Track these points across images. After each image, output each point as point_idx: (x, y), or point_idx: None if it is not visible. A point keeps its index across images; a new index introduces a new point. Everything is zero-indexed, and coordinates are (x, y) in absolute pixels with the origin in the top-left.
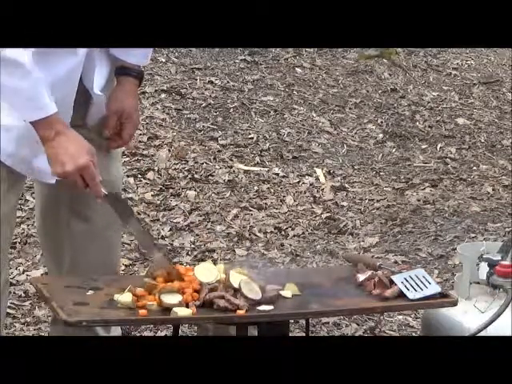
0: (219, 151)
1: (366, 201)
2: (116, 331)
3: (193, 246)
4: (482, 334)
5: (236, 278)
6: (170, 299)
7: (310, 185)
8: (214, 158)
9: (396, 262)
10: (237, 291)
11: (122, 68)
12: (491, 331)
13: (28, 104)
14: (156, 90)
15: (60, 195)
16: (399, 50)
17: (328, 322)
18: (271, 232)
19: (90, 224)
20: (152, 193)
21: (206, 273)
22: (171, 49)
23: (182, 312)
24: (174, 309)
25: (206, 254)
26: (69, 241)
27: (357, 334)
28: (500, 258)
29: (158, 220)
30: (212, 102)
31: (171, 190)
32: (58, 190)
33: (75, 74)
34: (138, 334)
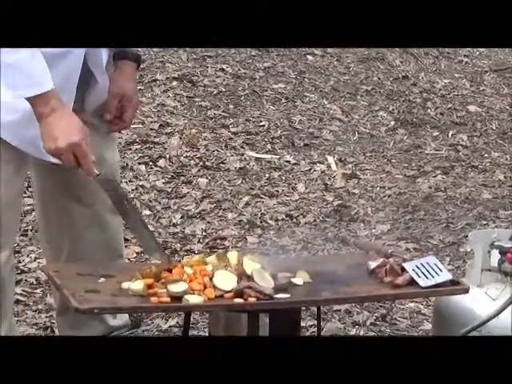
0: (230, 139)
1: (378, 188)
2: (122, 319)
3: (204, 233)
4: (493, 321)
5: (249, 266)
6: (177, 288)
7: (322, 172)
8: (226, 146)
9: (407, 250)
10: (249, 278)
11: (120, 52)
12: (503, 318)
13: (24, 80)
14: (167, 78)
15: (60, 181)
16: None
17: (339, 310)
18: (282, 219)
19: (91, 209)
20: (163, 180)
21: (225, 281)
22: None
23: (194, 299)
24: (186, 296)
25: (218, 241)
26: (68, 228)
27: (368, 322)
28: (511, 245)
29: (170, 207)
30: (223, 90)
31: (182, 178)
32: (58, 176)
33: (79, 52)
34: (150, 322)
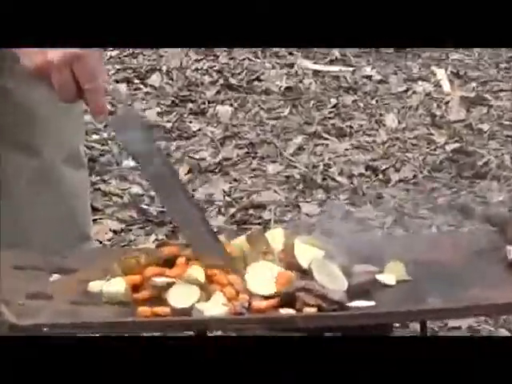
0: None
1: None
2: None
3: (228, 198)
4: None
5: (304, 254)
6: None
7: (426, 95)
8: (262, 51)
9: None
10: (305, 274)
11: None
12: None
13: None
14: None
15: None
16: None
17: (459, 327)
18: (361, 175)
19: (38, 160)
20: (158, 109)
21: (262, 283)
22: None
23: (211, 309)
24: (198, 306)
25: (251, 211)
26: (3, 190)
27: None
28: None
29: (170, 155)
30: None
31: (190, 105)
32: None
33: None
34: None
